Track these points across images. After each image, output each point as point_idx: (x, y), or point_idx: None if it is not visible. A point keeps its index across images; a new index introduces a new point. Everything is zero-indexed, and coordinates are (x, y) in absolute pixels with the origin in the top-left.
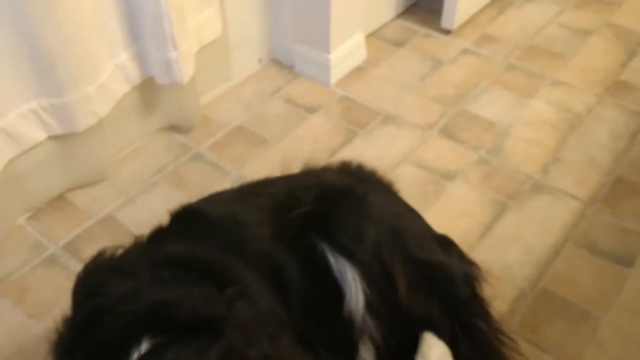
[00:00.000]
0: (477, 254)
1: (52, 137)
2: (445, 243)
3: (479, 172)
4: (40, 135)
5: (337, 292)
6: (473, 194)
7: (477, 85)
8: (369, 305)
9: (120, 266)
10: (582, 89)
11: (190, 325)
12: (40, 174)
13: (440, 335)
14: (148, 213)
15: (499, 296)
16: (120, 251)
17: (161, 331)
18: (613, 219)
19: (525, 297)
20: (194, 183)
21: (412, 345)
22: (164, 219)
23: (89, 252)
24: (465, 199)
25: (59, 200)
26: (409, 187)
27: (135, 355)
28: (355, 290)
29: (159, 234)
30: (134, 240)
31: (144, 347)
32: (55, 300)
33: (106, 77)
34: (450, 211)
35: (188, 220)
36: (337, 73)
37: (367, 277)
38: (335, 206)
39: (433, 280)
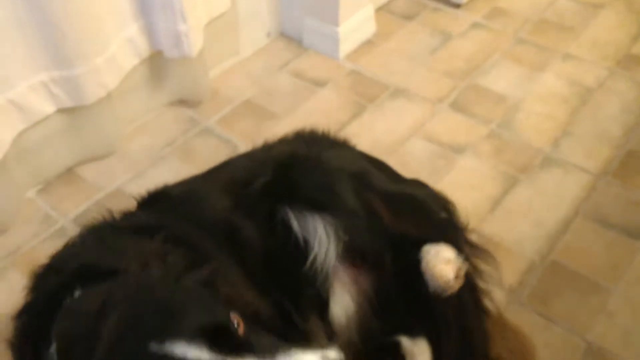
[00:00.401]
0: (488, 227)
1: (61, 110)
2: (417, 183)
3: (490, 146)
4: (49, 107)
5: (298, 254)
6: (483, 167)
7: (487, 59)
8: (347, 252)
9: (82, 233)
10: (593, 62)
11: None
12: (49, 147)
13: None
14: (157, 186)
15: (509, 268)
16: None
17: (89, 283)
18: (624, 192)
19: (536, 269)
20: (203, 157)
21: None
22: None
23: None
24: (475, 173)
25: (69, 174)
26: (419, 161)
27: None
28: (327, 243)
29: (126, 214)
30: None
31: (76, 294)
32: None
33: (115, 49)
34: (460, 184)
35: (151, 199)
36: (346, 46)
37: (345, 222)
38: (293, 171)
39: (410, 204)
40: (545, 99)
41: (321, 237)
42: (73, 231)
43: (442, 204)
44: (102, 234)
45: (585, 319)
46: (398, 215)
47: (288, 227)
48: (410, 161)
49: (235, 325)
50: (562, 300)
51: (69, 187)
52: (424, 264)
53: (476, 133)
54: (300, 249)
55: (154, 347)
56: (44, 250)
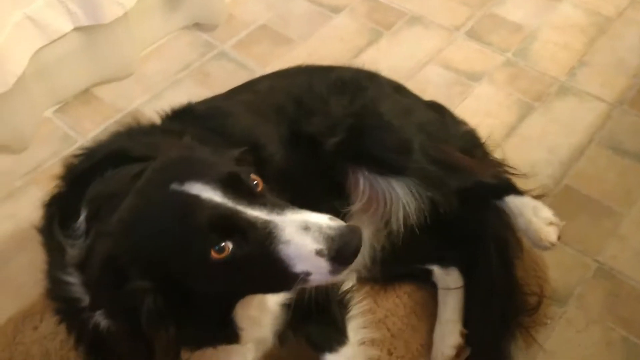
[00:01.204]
0: (503, 153)
1: (79, 29)
2: (438, 108)
3: (505, 74)
4: (66, 25)
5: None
6: (499, 95)
7: None
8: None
9: (107, 137)
10: None
11: (142, 161)
12: (67, 67)
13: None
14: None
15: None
16: None
17: (121, 166)
18: (639, 120)
19: (549, 193)
20: (219, 81)
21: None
22: None
23: None
24: (491, 100)
25: (86, 95)
26: (435, 88)
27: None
28: (410, 202)
29: (147, 125)
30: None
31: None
32: None
33: None
34: (476, 112)
35: (174, 114)
36: None
37: (424, 180)
38: (364, 133)
39: (475, 150)
40: (562, 29)
41: (404, 197)
42: None
43: (476, 140)
44: (131, 133)
45: (597, 241)
46: (479, 164)
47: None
48: (427, 88)
49: (254, 183)
50: (575, 224)
51: (87, 108)
52: (524, 221)
53: (492, 61)
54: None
55: (174, 186)
56: None
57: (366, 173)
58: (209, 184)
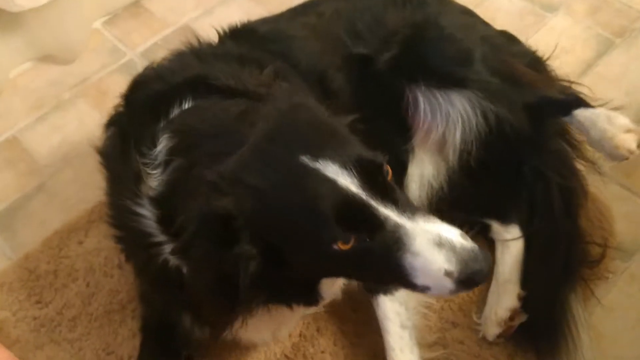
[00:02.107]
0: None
1: None
2: (509, 37)
3: (586, 5)
4: None
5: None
6: (576, 28)
7: None
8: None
9: (171, 60)
10: None
11: (226, 92)
12: None
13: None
14: (226, 25)
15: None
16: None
17: (201, 95)
18: None
19: None
20: None
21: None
22: None
23: None
24: (567, 33)
25: (136, 7)
26: (506, 17)
27: (175, 112)
28: (472, 117)
29: (210, 45)
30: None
31: (185, 106)
32: None
33: None
34: (549, 45)
35: (237, 34)
36: None
37: (488, 94)
38: (422, 44)
39: (539, 64)
40: None
41: (466, 111)
42: (142, 65)
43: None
44: (201, 55)
45: None
46: (542, 77)
47: (396, 96)
48: (497, 16)
49: (386, 172)
50: None
51: (136, 20)
52: (597, 132)
53: None
54: (403, 115)
55: (304, 159)
56: (112, 81)
57: (423, 89)
58: (346, 168)
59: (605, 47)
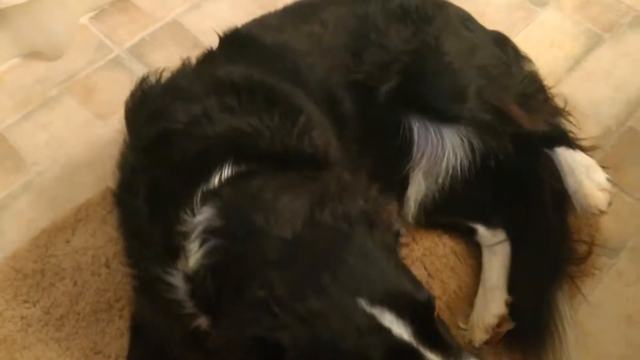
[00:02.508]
0: (564, 88)
1: None
2: (501, 41)
3: (575, 0)
4: None
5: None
6: (566, 23)
7: None
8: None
9: (178, 90)
10: None
11: (272, 157)
12: None
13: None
14: (214, 20)
15: (583, 133)
16: (166, 74)
17: (243, 159)
18: None
19: (611, 135)
20: None
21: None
22: (230, 26)
23: (154, 57)
24: (556, 29)
25: (122, 2)
26: (495, 12)
27: (217, 178)
28: (460, 151)
29: (209, 58)
30: (181, 64)
31: (227, 171)
32: (121, 103)
33: None
34: (539, 41)
35: (239, 44)
36: None
37: (477, 128)
38: (420, 76)
39: (529, 100)
40: None
41: (453, 147)
42: (129, 61)
43: (538, 83)
44: (215, 85)
45: None
46: (531, 112)
47: (394, 128)
48: (487, 11)
49: (437, 315)
50: (636, 170)
51: (124, 16)
52: (574, 181)
53: None
54: (400, 146)
55: (363, 304)
56: (99, 78)
57: (418, 122)
58: (402, 316)
59: (594, 42)
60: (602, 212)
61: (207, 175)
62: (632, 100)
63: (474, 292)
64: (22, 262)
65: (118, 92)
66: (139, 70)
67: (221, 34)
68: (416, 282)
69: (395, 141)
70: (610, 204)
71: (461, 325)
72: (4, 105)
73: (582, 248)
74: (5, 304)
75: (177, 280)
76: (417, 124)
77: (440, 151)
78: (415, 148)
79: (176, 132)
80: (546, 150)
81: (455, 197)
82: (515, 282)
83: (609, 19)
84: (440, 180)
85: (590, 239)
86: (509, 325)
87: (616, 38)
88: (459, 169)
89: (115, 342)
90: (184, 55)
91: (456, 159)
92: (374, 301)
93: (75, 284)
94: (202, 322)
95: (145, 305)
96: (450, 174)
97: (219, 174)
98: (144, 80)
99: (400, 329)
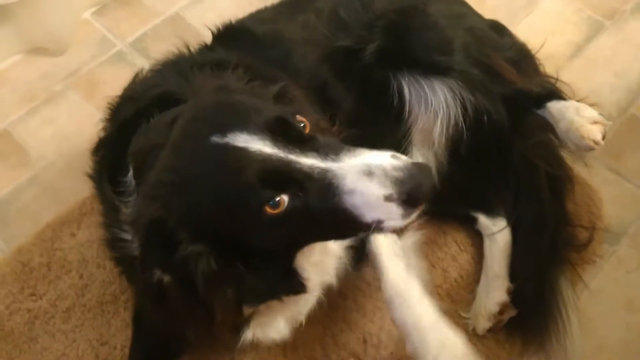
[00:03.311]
0: (565, 75)
1: None
2: (498, 28)
3: None
4: None
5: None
6: (567, 10)
7: None
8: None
9: (154, 76)
10: None
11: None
12: None
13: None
14: (216, 13)
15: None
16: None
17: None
18: None
19: (612, 122)
20: None
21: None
22: (232, 18)
23: (157, 50)
24: (557, 16)
25: None
26: (497, 0)
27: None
28: (452, 105)
29: (203, 48)
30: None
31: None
32: None
33: None
34: (540, 28)
35: (232, 36)
36: None
37: (468, 83)
38: (406, 33)
39: (527, 60)
40: None
41: (446, 100)
42: (131, 55)
43: (530, 55)
44: (181, 68)
45: None
46: (520, 72)
47: (385, 89)
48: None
49: (301, 125)
50: (637, 156)
51: (126, 10)
52: (565, 123)
53: None
54: (395, 110)
55: (215, 138)
56: (103, 72)
57: (408, 78)
58: (256, 133)
59: (595, 30)
60: (597, 144)
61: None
62: (633, 87)
63: (475, 280)
64: (28, 255)
65: (121, 86)
66: (142, 65)
67: (214, 30)
68: (280, 107)
69: (387, 101)
70: (604, 137)
71: (463, 314)
72: (9, 100)
73: (583, 235)
74: (12, 297)
75: (128, 234)
76: (406, 79)
77: (433, 110)
78: (407, 106)
79: (126, 100)
80: (538, 111)
81: (455, 181)
82: (516, 268)
83: (610, 6)
84: (437, 150)
85: (592, 225)
86: (511, 313)
87: (617, 25)
88: (453, 133)
89: (120, 333)
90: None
91: (449, 120)
92: (225, 132)
93: (81, 276)
94: (159, 272)
95: (127, 277)
96: (446, 139)
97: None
98: (136, 75)
99: (257, 145)
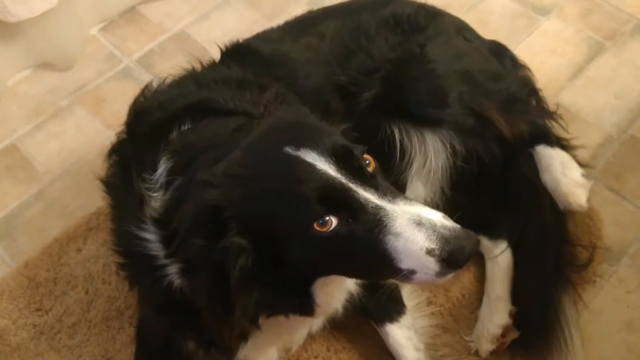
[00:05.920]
0: (566, 96)
1: None
2: (499, 50)
3: (577, 8)
4: None
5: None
6: (568, 31)
7: None
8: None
9: (166, 90)
10: None
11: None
12: None
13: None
14: (221, 30)
15: (584, 141)
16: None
17: (200, 118)
18: None
19: (612, 143)
20: (269, 3)
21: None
22: (237, 36)
23: (163, 67)
24: (558, 36)
25: (132, 13)
26: (498, 21)
27: (174, 135)
28: (442, 152)
29: (211, 66)
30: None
31: (185, 128)
32: None
33: None
34: (541, 48)
35: (239, 55)
36: None
37: (460, 132)
38: (403, 85)
39: (514, 104)
40: None
41: (435, 148)
42: (137, 71)
43: (529, 86)
44: (201, 80)
45: None
46: (511, 121)
47: (376, 134)
48: (490, 19)
49: (366, 162)
50: (637, 177)
51: (133, 27)
52: (551, 181)
53: None
54: (387, 153)
55: (288, 149)
56: (109, 88)
57: (399, 127)
58: (324, 155)
59: (596, 51)
60: (581, 207)
61: (167, 137)
62: (633, 108)
63: (478, 299)
64: (35, 270)
65: (127, 102)
66: (148, 81)
67: (222, 47)
68: (346, 139)
69: (379, 144)
70: (588, 199)
71: (465, 337)
72: (16, 115)
73: (583, 255)
74: (19, 312)
75: (150, 232)
76: (397, 129)
77: (424, 155)
78: (398, 153)
79: (150, 108)
80: (529, 149)
81: (458, 205)
82: (518, 288)
83: (610, 27)
84: (439, 183)
85: (592, 245)
86: (513, 335)
87: (618, 46)
88: (447, 173)
89: (125, 348)
90: (190, 66)
91: (438, 162)
92: (298, 146)
93: (86, 292)
94: (173, 273)
95: (131, 280)
96: (440, 177)
97: (177, 132)
98: (146, 86)
99: (324, 165)
